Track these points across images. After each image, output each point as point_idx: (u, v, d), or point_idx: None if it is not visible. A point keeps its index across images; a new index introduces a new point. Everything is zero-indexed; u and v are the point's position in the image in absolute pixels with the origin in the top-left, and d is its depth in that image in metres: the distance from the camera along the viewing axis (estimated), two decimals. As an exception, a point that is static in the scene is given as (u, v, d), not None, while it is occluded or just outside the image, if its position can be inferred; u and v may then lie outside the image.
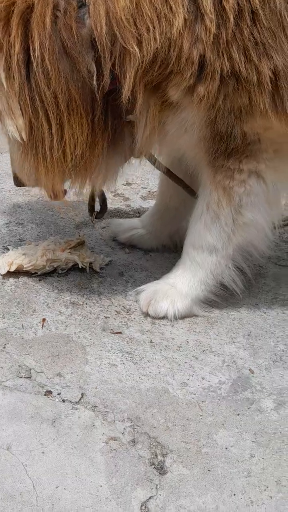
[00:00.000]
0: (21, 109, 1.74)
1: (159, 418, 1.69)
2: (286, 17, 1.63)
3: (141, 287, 2.13)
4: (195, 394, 1.78)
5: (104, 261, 2.29)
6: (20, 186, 2.20)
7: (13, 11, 1.68)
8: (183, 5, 1.61)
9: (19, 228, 2.48)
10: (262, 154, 1.89)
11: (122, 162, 1.99)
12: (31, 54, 1.68)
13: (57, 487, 1.50)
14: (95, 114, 1.76)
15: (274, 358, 1.92)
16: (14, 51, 1.68)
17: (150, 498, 1.49)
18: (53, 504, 1.46)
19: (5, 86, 1.73)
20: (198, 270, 2.05)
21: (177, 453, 1.60)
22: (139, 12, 1.61)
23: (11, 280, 2.18)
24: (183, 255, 2.09)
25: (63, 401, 1.72)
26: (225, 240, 2.00)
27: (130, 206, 2.74)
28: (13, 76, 1.71)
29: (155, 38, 1.63)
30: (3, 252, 2.29)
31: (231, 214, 1.96)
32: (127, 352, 1.90)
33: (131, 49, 1.64)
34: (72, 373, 1.81)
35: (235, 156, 1.88)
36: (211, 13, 1.61)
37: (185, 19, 1.61)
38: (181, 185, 2.18)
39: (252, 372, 1.87)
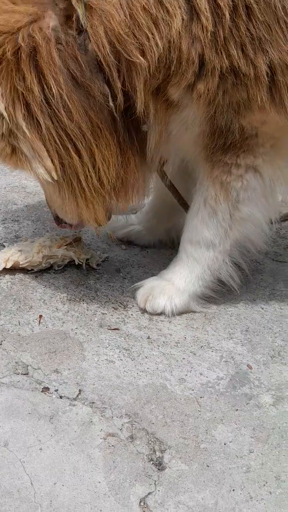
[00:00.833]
0: (47, 150, 1.75)
1: (157, 414, 1.68)
2: (280, 8, 1.62)
3: (138, 283, 2.12)
4: (193, 390, 1.77)
5: (100, 258, 2.28)
6: (65, 228, 2.17)
7: (21, 56, 1.66)
8: (179, 6, 1.60)
9: (15, 225, 2.47)
10: (259, 148, 1.88)
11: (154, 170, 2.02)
12: (48, 93, 1.68)
13: (55, 484, 1.49)
14: (119, 133, 1.78)
15: (272, 353, 1.92)
16: (34, 95, 1.68)
17: (148, 494, 1.48)
18: (51, 501, 1.45)
19: (28, 134, 1.73)
20: (195, 266, 2.04)
21: (175, 449, 1.59)
22: (135, 23, 1.62)
23: (7, 277, 2.17)
24: (180, 251, 2.09)
25: (61, 397, 1.71)
26: (222, 235, 1.99)
27: (126, 202, 2.73)
28: (37, 121, 1.71)
29: (156, 44, 1.63)
30: (-1, 249, 2.28)
31: (228, 209, 1.95)
32: (124, 348, 1.90)
33: (136, 60, 1.65)
34: (69, 369, 1.80)
35: (232, 151, 1.88)
36: (206, 11, 1.61)
37: (183, 19, 1.61)
38: (180, 202, 2.17)
39: (250, 368, 1.86)
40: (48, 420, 1.64)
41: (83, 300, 2.09)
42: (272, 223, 2.06)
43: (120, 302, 2.10)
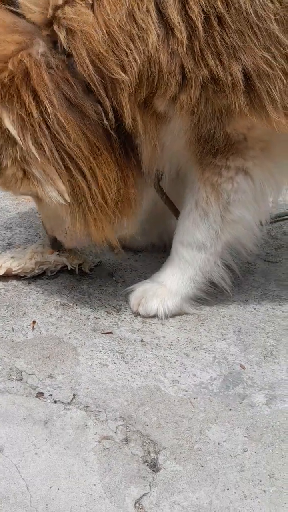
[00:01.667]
0: (57, 173, 1.78)
1: (151, 416, 1.69)
2: (252, 14, 1.63)
3: (131, 287, 2.13)
4: (186, 391, 1.78)
5: (93, 262, 2.30)
6: (57, 248, 2.22)
7: (16, 82, 1.70)
8: (153, 22, 1.63)
9: (7, 232, 2.48)
10: (248, 151, 1.90)
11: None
12: (45, 114, 1.71)
13: (50, 488, 1.49)
14: (115, 149, 1.81)
15: (265, 353, 1.93)
16: (34, 117, 1.71)
17: (144, 495, 1.49)
18: (47, 505, 1.46)
19: (38, 158, 1.76)
20: (187, 268, 2.06)
21: (170, 450, 1.60)
22: (113, 40, 1.65)
23: (0, 283, 2.18)
24: (172, 253, 2.10)
25: (55, 402, 1.72)
26: (214, 237, 2.01)
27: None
28: (41, 144, 1.74)
29: (135, 59, 1.66)
30: (-8, 256, 2.29)
31: (220, 211, 1.97)
32: (118, 352, 1.91)
33: (118, 77, 1.68)
34: (63, 374, 1.81)
35: (221, 154, 1.90)
36: (179, 25, 1.62)
37: (158, 35, 1.64)
38: (175, 213, 2.19)
39: (243, 368, 1.87)
40: (43, 425, 1.65)
41: (76, 305, 2.10)
42: (262, 225, 2.07)
43: (113, 306, 2.11)
